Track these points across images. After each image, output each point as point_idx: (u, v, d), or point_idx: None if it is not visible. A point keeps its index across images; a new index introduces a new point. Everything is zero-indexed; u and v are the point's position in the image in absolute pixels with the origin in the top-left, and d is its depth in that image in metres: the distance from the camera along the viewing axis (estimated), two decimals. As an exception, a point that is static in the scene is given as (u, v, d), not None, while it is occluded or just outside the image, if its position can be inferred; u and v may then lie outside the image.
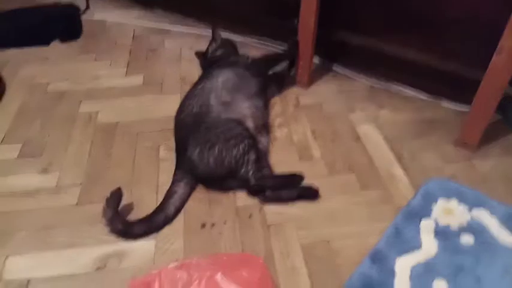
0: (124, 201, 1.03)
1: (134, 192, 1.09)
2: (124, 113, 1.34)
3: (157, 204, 1.02)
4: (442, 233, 0.95)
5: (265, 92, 1.31)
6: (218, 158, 1.04)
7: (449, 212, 1.00)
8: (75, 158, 1.19)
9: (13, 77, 1.51)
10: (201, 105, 1.14)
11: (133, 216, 1.02)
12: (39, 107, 1.37)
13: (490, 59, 1.06)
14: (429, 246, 0.93)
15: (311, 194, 1.06)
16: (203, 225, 1.00)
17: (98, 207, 1.02)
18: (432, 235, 0.95)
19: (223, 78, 1.22)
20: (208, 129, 1.07)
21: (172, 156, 1.16)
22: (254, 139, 1.11)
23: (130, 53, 1.64)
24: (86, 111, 1.35)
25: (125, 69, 1.55)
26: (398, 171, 1.13)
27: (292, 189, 1.06)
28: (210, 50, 1.41)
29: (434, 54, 1.30)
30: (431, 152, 1.20)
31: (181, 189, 1.04)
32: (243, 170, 1.04)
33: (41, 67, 1.56)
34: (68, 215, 1.03)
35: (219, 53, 1.38)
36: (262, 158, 1.11)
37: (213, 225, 1.00)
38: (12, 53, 1.62)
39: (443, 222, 0.98)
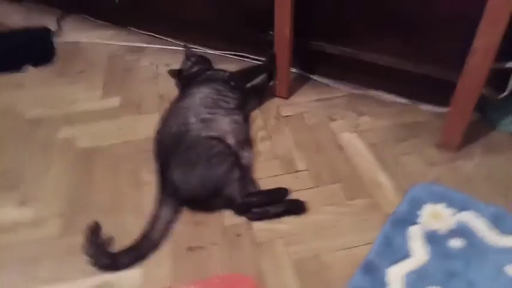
0: (107, 229, 1.00)
1: (117, 219, 1.06)
2: (103, 136, 1.31)
3: (142, 230, 0.99)
4: (431, 239, 0.95)
5: (244, 106, 1.31)
6: (201, 179, 1.02)
7: (437, 216, 1.00)
8: (54, 187, 1.15)
9: (-14, 106, 1.47)
10: (179, 124, 1.12)
11: (118, 244, 0.99)
12: (16, 136, 1.33)
13: (465, 60, 1.07)
14: (419, 253, 0.93)
15: (298, 208, 1.05)
16: (191, 249, 0.98)
17: (81, 238, 0.99)
18: (421, 241, 0.95)
19: (200, 94, 1.20)
20: (188, 148, 1.06)
21: (154, 179, 1.13)
22: (237, 156, 1.09)
23: (105, 74, 1.62)
24: (64, 137, 1.32)
25: (101, 92, 1.52)
26: (383, 178, 1.13)
27: (279, 204, 1.05)
28: (185, 68, 1.39)
29: (410, 58, 1.31)
30: (415, 156, 1.20)
31: (165, 213, 1.02)
32: (227, 189, 1.02)
33: (15, 94, 1.52)
34: (51, 247, 1.00)
35: (194, 69, 1.36)
36: (246, 174, 1.10)
37: (201, 247, 0.98)
38: (-16, 81, 1.58)
39: (431, 227, 0.98)
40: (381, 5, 1.27)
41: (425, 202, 1.04)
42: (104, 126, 1.36)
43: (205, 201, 1.04)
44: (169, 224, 1.01)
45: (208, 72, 1.33)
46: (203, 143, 1.07)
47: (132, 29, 1.87)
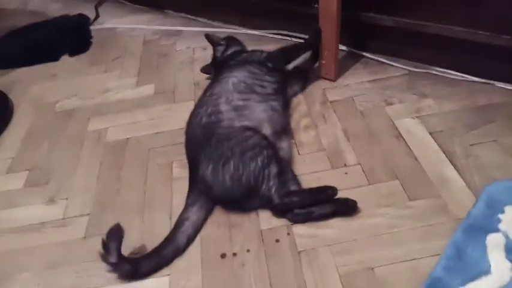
0: (135, 230, 0.93)
1: (146, 218, 0.97)
2: (135, 127, 1.24)
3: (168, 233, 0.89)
4: (516, 251, 0.77)
5: (284, 90, 1.16)
6: (235, 176, 0.89)
7: (523, 222, 0.81)
8: (83, 183, 1.09)
9: (22, 97, 1.44)
10: (210, 113, 1.00)
11: (146, 246, 0.90)
12: (47, 129, 1.29)
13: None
14: (501, 269, 0.75)
15: (348, 209, 0.90)
16: (223, 255, 0.86)
17: None
18: (503, 254, 0.77)
19: (234, 79, 1.08)
20: (220, 141, 0.93)
21: (186, 174, 1.03)
22: (274, 148, 0.96)
23: (140, 60, 1.54)
24: (95, 129, 1.26)
25: (136, 79, 1.44)
26: (452, 174, 0.95)
27: (325, 204, 0.90)
28: (218, 56, 1.26)
29: (482, 27, 1.09)
30: (491, 145, 1.00)
31: (194, 214, 0.91)
32: (263, 187, 0.89)
33: (49, 85, 1.48)
34: (74, 250, 0.94)
35: (228, 53, 1.23)
36: (285, 169, 0.96)
37: (234, 254, 0.86)
38: (21, 72, 1.57)
39: (516, 236, 0.79)
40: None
41: (506, 203, 0.84)
42: (136, 116, 1.28)
43: (240, 200, 0.92)
44: (198, 226, 0.90)
45: (244, 55, 1.19)
46: (236, 134, 0.95)
47: (169, 11, 1.78)
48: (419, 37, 1.22)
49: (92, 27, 1.76)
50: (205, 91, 1.11)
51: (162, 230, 0.92)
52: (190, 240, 0.89)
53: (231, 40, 1.28)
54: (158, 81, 1.41)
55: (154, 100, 1.34)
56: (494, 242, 0.79)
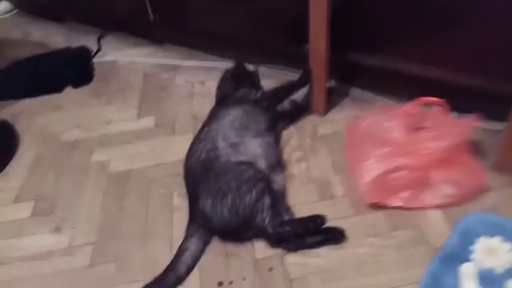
0: (137, 258, 0.99)
1: (148, 247, 1.04)
2: (136, 159, 1.30)
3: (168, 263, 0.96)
4: (486, 279, 0.85)
5: (276, 126, 1.24)
6: (232, 208, 0.97)
7: (493, 252, 0.89)
8: (87, 212, 1.15)
9: (27, 128, 1.50)
10: (208, 149, 1.08)
11: (148, 274, 0.96)
12: (53, 159, 1.35)
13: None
14: (473, 296, 0.83)
15: (337, 237, 0.98)
16: (220, 284, 0.93)
17: (110, 268, 0.99)
18: (475, 282, 0.85)
19: (230, 117, 1.16)
20: (218, 176, 1.01)
21: (186, 204, 1.10)
22: (267, 180, 1.04)
23: (141, 93, 1.61)
24: (98, 160, 1.32)
25: (137, 111, 1.51)
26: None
27: (316, 233, 0.98)
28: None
29: (461, 69, 1.19)
30: (467, 179, 1.09)
31: (193, 245, 0.98)
32: (258, 218, 0.97)
33: (53, 116, 1.54)
34: (80, 278, 0.99)
35: (229, 89, 1.31)
36: (278, 201, 1.04)
37: (230, 282, 0.93)
38: (26, 104, 1.62)
39: (486, 265, 0.87)
40: (428, 10, 1.17)
41: (479, 235, 0.93)
42: (137, 148, 1.35)
43: (238, 231, 0.99)
44: (197, 256, 0.97)
45: (240, 93, 1.28)
46: (233, 169, 1.03)
47: (168, 45, 1.87)
48: (402, 76, 1.31)
49: (94, 60, 1.84)
50: (204, 125, 1.19)
51: (163, 259, 0.98)
52: (190, 269, 0.95)
53: (240, 74, 1.35)
54: (158, 114, 1.48)
55: (154, 132, 1.41)
56: (467, 271, 0.87)
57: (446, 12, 1.14)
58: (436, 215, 1.01)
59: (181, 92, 1.58)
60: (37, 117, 1.55)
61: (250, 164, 1.05)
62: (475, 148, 1.16)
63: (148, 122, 1.46)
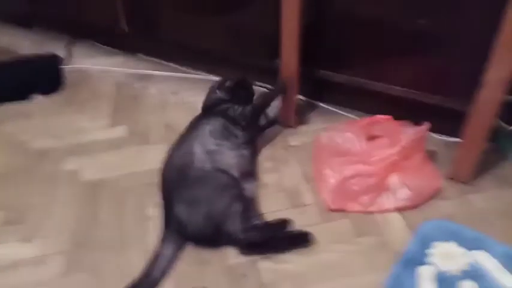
0: (111, 267, 1.00)
1: (121, 255, 1.04)
2: (109, 168, 1.31)
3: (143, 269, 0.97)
4: (442, 281, 0.92)
5: (254, 141, 1.29)
6: (206, 215, 1.00)
7: (448, 256, 0.97)
8: (59, 222, 1.14)
9: (-6, 136, 1.47)
10: (183, 154, 1.11)
11: (123, 283, 0.97)
12: (22, 168, 1.33)
13: (473, 89, 1.05)
14: (431, 296, 0.89)
15: (305, 241, 1.03)
16: (194, 290, 0.96)
17: (84, 277, 0.99)
18: (432, 283, 0.92)
19: (210, 127, 1.19)
20: (192, 182, 1.05)
21: (159, 213, 1.12)
22: (240, 187, 1.08)
23: (113, 101, 1.62)
24: (70, 169, 1.31)
25: (109, 120, 1.52)
26: (393, 213, 1.10)
27: (284, 238, 1.03)
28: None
29: (420, 88, 1.29)
30: (425, 189, 1.17)
31: (168, 250, 1.00)
32: (229, 223, 1.00)
33: (22, 124, 1.52)
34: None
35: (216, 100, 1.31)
36: (249, 207, 1.08)
37: (204, 288, 0.96)
38: (-7, 111, 1.59)
39: (442, 267, 0.94)
40: (390, 33, 1.26)
41: (435, 240, 1.00)
42: (110, 157, 1.35)
43: (211, 237, 1.03)
44: (171, 262, 0.99)
45: (222, 107, 1.27)
46: (206, 175, 1.07)
47: (141, 55, 1.88)
48: (367, 93, 1.40)
49: (63, 68, 1.82)
50: (183, 133, 1.21)
51: (138, 268, 0.99)
52: (164, 274, 0.97)
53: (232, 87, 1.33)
54: (131, 123, 1.49)
55: (127, 141, 1.41)
56: (425, 273, 0.94)
57: (406, 36, 1.23)
58: (397, 223, 1.08)
59: (155, 102, 1.60)
60: (5, 126, 1.51)
61: (224, 171, 1.09)
62: (434, 159, 1.25)
63: (121, 131, 1.46)
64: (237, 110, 1.26)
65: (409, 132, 1.14)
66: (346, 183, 1.11)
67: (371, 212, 1.10)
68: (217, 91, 1.31)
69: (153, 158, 1.30)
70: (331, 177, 1.13)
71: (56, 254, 1.06)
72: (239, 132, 1.21)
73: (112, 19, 1.74)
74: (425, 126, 1.15)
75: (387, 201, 1.11)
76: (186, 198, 1.03)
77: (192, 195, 1.03)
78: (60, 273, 1.01)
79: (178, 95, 1.61)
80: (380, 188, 1.11)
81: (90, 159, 1.34)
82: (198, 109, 1.53)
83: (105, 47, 1.95)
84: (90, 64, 1.85)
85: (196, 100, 1.57)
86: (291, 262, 1.00)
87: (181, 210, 1.02)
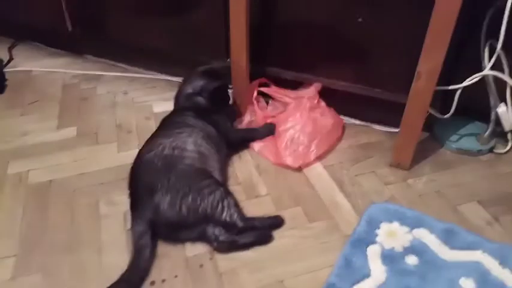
0: (64, 268, 0.98)
1: (74, 256, 1.02)
2: (57, 169, 1.28)
3: (127, 265, 0.96)
4: (388, 257, 0.99)
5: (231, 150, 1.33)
6: (192, 206, 1.01)
7: (392, 234, 1.04)
8: (6, 226, 1.10)
9: None
10: (174, 147, 1.11)
11: (76, 282, 0.96)
12: (-38, 173, 1.27)
13: (410, 82, 1.14)
14: (378, 272, 0.96)
15: (266, 239, 1.06)
16: (152, 283, 0.96)
17: (35, 279, 0.96)
18: (380, 260, 0.98)
19: (208, 131, 1.22)
20: (180, 177, 1.05)
21: (114, 212, 1.12)
22: (225, 187, 1.11)
23: (60, 103, 1.58)
24: (15, 172, 1.26)
25: (56, 122, 1.48)
26: (342, 199, 1.17)
27: (248, 234, 1.05)
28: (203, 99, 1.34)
29: (361, 82, 1.37)
30: (370, 175, 1.25)
31: (148, 240, 0.99)
32: (224, 214, 1.02)
33: (-39, 128, 1.45)
34: (1, 292, 0.95)
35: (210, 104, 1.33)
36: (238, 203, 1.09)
37: (163, 281, 0.96)
38: None
39: (388, 245, 1.01)
40: (333, 34, 1.33)
41: (381, 221, 1.08)
42: (58, 159, 1.32)
43: (189, 228, 1.03)
44: (152, 249, 1.00)
45: (216, 117, 1.30)
46: (196, 174, 1.08)
47: (88, 56, 1.85)
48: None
49: (5, 70, 1.75)
50: (174, 125, 1.21)
51: (92, 266, 0.99)
52: (150, 263, 0.99)
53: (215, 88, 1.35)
54: (80, 124, 1.46)
55: (76, 142, 1.39)
56: (373, 251, 1.00)
57: (347, 34, 1.31)
58: (346, 207, 1.14)
59: (104, 102, 1.58)
60: None
61: (211, 173, 1.12)
62: (378, 149, 1.34)
63: (69, 132, 1.43)
64: (230, 127, 1.36)
65: (305, 93, 1.39)
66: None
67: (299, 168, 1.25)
68: (199, 97, 1.33)
69: (104, 158, 1.30)
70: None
71: (4, 258, 1.02)
72: (223, 145, 1.26)
73: (56, 19, 1.70)
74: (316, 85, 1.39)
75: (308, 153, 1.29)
76: (171, 191, 1.02)
77: (178, 188, 1.02)
78: (9, 277, 0.97)
79: (128, 94, 1.61)
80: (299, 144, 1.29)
81: (38, 162, 1.30)
82: (149, 108, 1.53)
83: (50, 48, 1.90)
84: (34, 66, 1.79)
85: (146, 100, 1.59)
86: (247, 250, 1.03)
87: (163, 200, 1.01)
